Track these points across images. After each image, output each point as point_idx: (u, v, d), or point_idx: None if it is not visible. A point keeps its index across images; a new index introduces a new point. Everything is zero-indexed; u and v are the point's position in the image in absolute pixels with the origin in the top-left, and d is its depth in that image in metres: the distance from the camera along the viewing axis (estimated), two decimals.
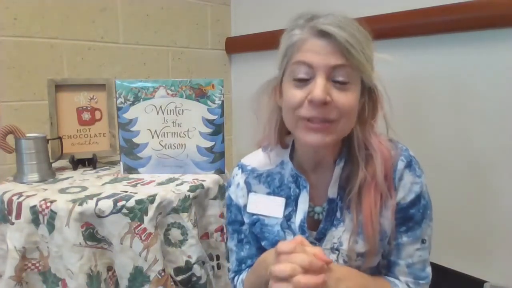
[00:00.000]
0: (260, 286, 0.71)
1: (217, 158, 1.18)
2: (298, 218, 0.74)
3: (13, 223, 0.96)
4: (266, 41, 1.74)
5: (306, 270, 0.58)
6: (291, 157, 0.78)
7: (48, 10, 1.43)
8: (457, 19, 1.12)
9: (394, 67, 1.35)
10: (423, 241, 0.73)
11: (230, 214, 0.84)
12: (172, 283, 1.01)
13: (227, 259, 1.14)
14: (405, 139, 0.77)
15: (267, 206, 0.78)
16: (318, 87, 0.62)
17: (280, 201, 0.77)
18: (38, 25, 1.41)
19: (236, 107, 2.00)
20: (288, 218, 0.76)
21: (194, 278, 1.04)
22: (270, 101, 0.75)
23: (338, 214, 0.73)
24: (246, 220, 0.81)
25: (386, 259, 0.75)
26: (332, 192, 0.73)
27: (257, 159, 0.82)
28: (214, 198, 1.11)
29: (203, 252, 1.06)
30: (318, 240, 0.73)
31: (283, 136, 0.78)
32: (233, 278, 0.87)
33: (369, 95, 0.70)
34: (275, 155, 0.80)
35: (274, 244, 0.76)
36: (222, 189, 1.13)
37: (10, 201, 0.98)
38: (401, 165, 0.71)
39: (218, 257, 1.14)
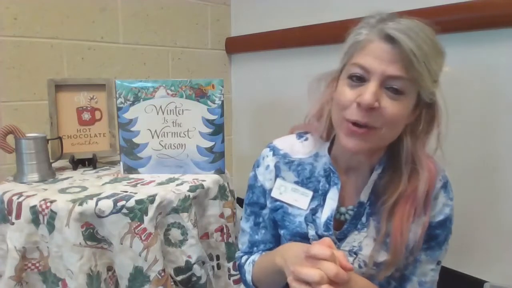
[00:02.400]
0: (272, 275, 0.70)
1: (217, 158, 1.18)
2: (325, 214, 0.73)
3: (13, 223, 0.96)
4: (266, 41, 1.75)
5: (331, 281, 0.57)
6: (329, 151, 0.77)
7: (48, 10, 1.43)
8: (457, 19, 1.12)
9: None
10: (438, 263, 0.74)
11: (252, 195, 0.83)
12: (172, 283, 1.01)
13: (227, 259, 1.14)
14: None
15: (292, 195, 0.77)
16: (369, 91, 0.61)
17: (307, 193, 0.76)
18: (38, 25, 1.41)
19: (236, 107, 2.00)
20: (314, 212, 0.75)
21: (194, 278, 1.04)
22: (325, 92, 0.74)
23: (363, 219, 0.72)
24: (269, 204, 0.80)
25: (399, 272, 0.74)
26: (364, 195, 0.72)
27: (290, 145, 0.80)
28: (214, 198, 1.11)
29: (203, 252, 1.06)
30: (339, 240, 0.73)
31: (330, 128, 0.76)
32: (241, 257, 0.86)
33: (427, 109, 0.69)
34: (311, 145, 0.79)
35: (293, 234, 0.76)
36: (222, 189, 1.13)
37: (10, 201, 0.98)
38: (438, 184, 0.71)
39: (218, 257, 1.14)
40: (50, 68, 1.44)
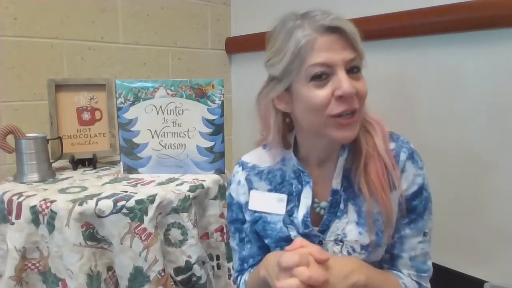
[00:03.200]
0: None
1: (217, 158, 1.18)
2: (301, 212, 0.74)
3: (13, 223, 0.96)
4: (266, 41, 1.74)
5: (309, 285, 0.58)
6: (295, 153, 0.78)
7: (48, 10, 1.43)
8: (457, 19, 1.12)
9: (394, 67, 1.35)
10: (425, 234, 0.74)
11: (232, 213, 0.84)
12: (172, 283, 1.01)
13: (227, 259, 1.14)
14: None
15: (268, 203, 0.78)
16: (345, 81, 0.63)
17: (282, 198, 0.77)
18: (38, 25, 1.41)
19: (236, 107, 1.99)
20: (290, 213, 0.75)
21: (194, 278, 1.04)
22: (270, 107, 0.74)
23: (341, 206, 0.73)
24: (248, 218, 0.81)
25: (388, 253, 0.75)
26: (336, 183, 0.73)
27: (257, 156, 0.82)
28: (214, 198, 1.11)
29: (203, 252, 1.06)
30: (322, 232, 0.73)
31: (285, 138, 0.79)
32: (237, 277, 0.87)
33: None
34: (276, 152, 0.80)
35: (277, 241, 0.76)
36: (222, 189, 1.13)
37: (10, 201, 0.98)
38: (403, 156, 0.72)
39: (218, 257, 1.14)
40: (50, 68, 1.44)
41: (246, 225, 0.82)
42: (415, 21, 1.21)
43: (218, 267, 1.14)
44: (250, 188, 0.80)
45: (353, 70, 0.66)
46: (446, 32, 1.17)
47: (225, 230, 1.13)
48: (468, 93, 1.16)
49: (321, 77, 0.65)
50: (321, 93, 0.65)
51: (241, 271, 0.85)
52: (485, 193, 1.16)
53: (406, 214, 0.73)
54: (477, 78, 1.13)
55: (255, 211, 0.79)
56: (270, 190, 0.78)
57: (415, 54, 1.25)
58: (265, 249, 0.82)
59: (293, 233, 0.74)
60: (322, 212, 0.75)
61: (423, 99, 1.25)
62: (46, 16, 1.42)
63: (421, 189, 0.73)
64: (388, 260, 0.76)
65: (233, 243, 0.86)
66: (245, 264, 0.84)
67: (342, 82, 0.63)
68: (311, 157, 0.77)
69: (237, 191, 0.82)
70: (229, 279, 1.15)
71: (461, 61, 1.16)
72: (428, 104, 1.24)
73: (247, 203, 0.80)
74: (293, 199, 0.76)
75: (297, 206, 0.75)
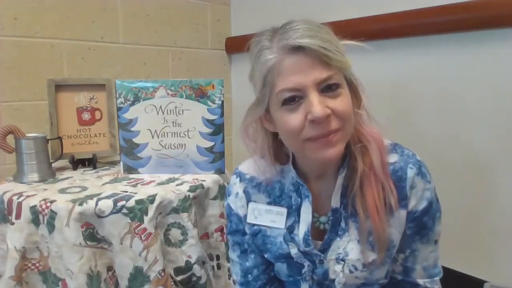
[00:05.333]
0: None
1: (217, 158, 1.18)
2: (302, 230, 0.72)
3: (13, 223, 0.96)
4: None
5: None
6: (293, 165, 0.75)
7: (48, 10, 1.43)
8: (457, 19, 1.12)
9: (393, 67, 1.35)
10: (435, 242, 0.74)
11: (231, 224, 0.81)
12: (172, 283, 1.01)
13: (227, 259, 1.14)
14: (403, 140, 0.76)
15: (268, 217, 0.75)
16: (315, 104, 0.59)
17: (282, 211, 0.74)
18: (38, 25, 1.41)
19: (236, 107, 2.00)
20: (290, 230, 0.73)
21: (194, 278, 1.04)
22: (257, 128, 0.73)
23: (342, 224, 0.71)
24: (248, 230, 0.78)
25: (402, 266, 0.74)
26: (335, 201, 0.71)
27: (256, 167, 0.77)
28: (214, 198, 1.11)
29: (203, 252, 1.06)
30: (323, 251, 0.72)
31: (279, 155, 0.75)
32: None
33: (350, 86, 0.67)
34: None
35: (277, 257, 0.75)
36: (222, 189, 1.13)
37: (10, 201, 0.98)
38: (411, 173, 0.68)
39: (218, 257, 1.14)
40: (50, 68, 1.44)
41: (247, 237, 0.79)
42: (415, 21, 1.21)
43: (218, 267, 1.14)
44: (249, 200, 0.77)
45: (330, 87, 0.61)
46: (446, 32, 1.17)
47: (225, 230, 1.13)
48: (468, 93, 1.16)
49: (293, 100, 0.61)
50: (294, 118, 0.62)
51: (245, 284, 0.82)
52: (485, 193, 1.16)
53: (417, 231, 0.71)
54: (477, 78, 1.13)
55: (254, 224, 0.77)
56: (269, 203, 0.76)
57: (414, 54, 1.25)
58: (268, 261, 0.80)
59: (293, 250, 0.72)
60: (321, 227, 0.73)
61: (423, 99, 1.25)
62: (46, 16, 1.42)
63: (431, 205, 0.70)
64: (401, 272, 0.75)
65: (233, 255, 0.83)
66: (249, 276, 0.81)
67: (313, 106, 0.59)
68: (309, 172, 0.74)
69: (236, 203, 0.79)
70: (229, 279, 1.15)
71: (461, 61, 1.16)
72: (428, 104, 1.24)
73: (245, 216, 0.77)
74: (293, 213, 0.74)
75: (297, 221, 0.73)
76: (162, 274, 0.97)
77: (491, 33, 1.09)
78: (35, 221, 0.95)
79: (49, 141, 1.20)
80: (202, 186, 1.08)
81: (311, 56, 0.59)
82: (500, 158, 1.12)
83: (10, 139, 1.14)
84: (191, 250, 1.02)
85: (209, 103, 1.16)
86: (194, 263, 1.03)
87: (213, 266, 1.13)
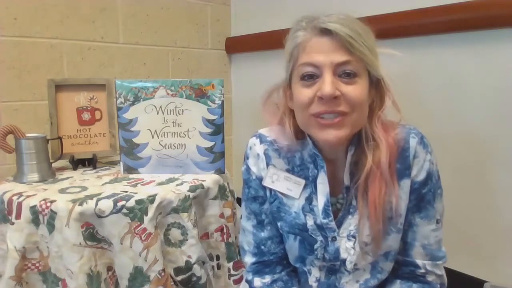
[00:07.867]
0: None
1: (217, 158, 1.18)
2: (321, 200, 0.73)
3: (13, 223, 0.96)
4: (266, 41, 1.74)
5: None
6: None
7: (48, 10, 1.43)
8: (457, 19, 1.12)
9: (393, 67, 1.35)
10: (437, 221, 0.74)
11: (249, 190, 0.80)
12: (172, 283, 1.01)
13: (227, 259, 1.14)
14: None
15: (285, 184, 0.76)
16: (326, 82, 0.64)
17: (299, 181, 0.75)
18: (38, 25, 1.41)
19: (236, 107, 2.00)
20: (309, 201, 0.74)
21: (194, 278, 1.04)
22: (281, 102, 0.76)
23: (354, 202, 0.73)
24: (268, 195, 0.78)
25: (402, 242, 0.75)
26: (346, 179, 0.73)
27: (277, 132, 0.78)
28: (214, 198, 1.11)
29: (203, 252, 1.06)
30: (338, 227, 0.73)
31: (297, 133, 0.76)
32: (250, 281, 0.80)
33: (376, 87, 0.71)
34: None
35: (292, 226, 0.75)
36: (222, 189, 1.13)
37: (10, 201, 0.98)
38: (413, 142, 0.71)
39: (218, 257, 1.14)
40: (50, 68, 1.45)
41: (266, 206, 0.78)
42: (415, 21, 1.21)
43: (218, 267, 1.14)
44: (268, 163, 0.77)
45: (347, 74, 0.65)
46: (446, 32, 1.17)
47: (225, 230, 1.13)
48: (468, 93, 1.16)
49: (311, 78, 0.66)
50: (306, 92, 0.67)
51: (259, 254, 0.80)
52: (485, 193, 1.16)
53: (416, 203, 0.73)
54: (477, 78, 1.13)
55: (270, 189, 0.77)
56: (288, 170, 0.76)
57: (414, 54, 1.25)
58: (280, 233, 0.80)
59: (310, 222, 0.74)
60: (336, 206, 0.75)
61: (423, 99, 1.25)
62: (46, 16, 1.42)
63: (430, 176, 0.72)
64: (402, 251, 0.75)
65: (247, 223, 0.80)
66: (263, 247, 0.79)
67: (324, 83, 0.64)
68: (322, 151, 0.75)
69: (258, 166, 0.78)
70: (229, 279, 1.15)
71: (461, 61, 1.16)
72: (428, 104, 1.24)
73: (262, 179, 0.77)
74: (310, 184, 0.75)
75: (315, 192, 0.74)
76: (162, 274, 0.97)
77: (491, 33, 1.09)
78: (35, 221, 0.95)
79: (49, 141, 1.20)
80: (202, 186, 1.08)
81: (336, 40, 0.64)
82: (500, 158, 1.12)
83: (10, 139, 1.14)
84: (191, 250, 1.02)
85: (209, 103, 1.16)
86: (194, 263, 1.03)
87: (213, 266, 1.13)
